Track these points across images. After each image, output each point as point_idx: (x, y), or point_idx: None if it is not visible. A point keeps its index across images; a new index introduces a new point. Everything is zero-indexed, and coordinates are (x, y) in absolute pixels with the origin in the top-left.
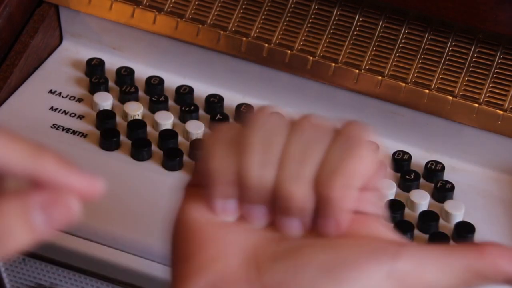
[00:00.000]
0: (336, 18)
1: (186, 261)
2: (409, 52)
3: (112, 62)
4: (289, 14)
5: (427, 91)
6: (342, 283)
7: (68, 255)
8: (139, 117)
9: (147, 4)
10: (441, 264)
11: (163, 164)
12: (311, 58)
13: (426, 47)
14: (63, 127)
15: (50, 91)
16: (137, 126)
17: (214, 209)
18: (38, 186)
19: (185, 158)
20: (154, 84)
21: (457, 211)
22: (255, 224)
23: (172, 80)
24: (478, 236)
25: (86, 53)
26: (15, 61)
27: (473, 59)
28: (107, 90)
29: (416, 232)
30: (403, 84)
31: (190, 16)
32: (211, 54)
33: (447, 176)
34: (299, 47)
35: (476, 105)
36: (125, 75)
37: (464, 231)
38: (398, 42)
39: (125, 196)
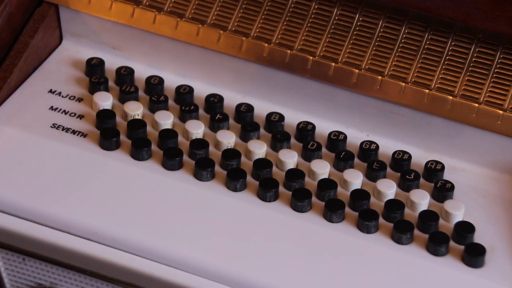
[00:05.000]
0: (336, 18)
1: None
2: (409, 52)
3: (112, 62)
4: (289, 14)
5: (427, 91)
6: None
7: (68, 255)
8: (139, 117)
9: (147, 4)
10: None
11: (163, 164)
12: (311, 58)
13: (426, 47)
14: (63, 127)
15: (50, 91)
16: (137, 126)
17: None
18: None
19: (185, 158)
20: (154, 84)
21: (457, 211)
22: None
23: (172, 80)
24: (478, 236)
25: (86, 53)
26: (15, 61)
27: (473, 59)
28: (107, 90)
29: (416, 232)
30: (403, 84)
31: (190, 16)
32: (211, 54)
33: (447, 176)
34: (299, 47)
35: (476, 105)
36: (125, 75)
37: (464, 231)
38: (398, 42)
39: (125, 196)
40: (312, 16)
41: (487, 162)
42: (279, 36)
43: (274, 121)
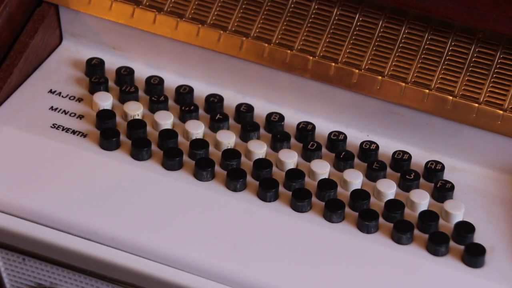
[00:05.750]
0: (336, 18)
1: None
2: (409, 52)
3: (112, 62)
4: (289, 14)
5: (427, 91)
6: None
7: (68, 255)
8: (139, 117)
9: (147, 4)
10: None
11: (163, 164)
12: (311, 58)
13: (426, 47)
14: (63, 127)
15: (50, 91)
16: (137, 126)
17: None
18: None
19: (185, 158)
20: (154, 84)
21: (457, 211)
22: None
23: (172, 80)
24: (478, 236)
25: (86, 53)
26: (15, 61)
27: (473, 59)
28: (107, 90)
29: (416, 232)
30: (403, 84)
31: (190, 16)
32: (211, 54)
33: (447, 176)
34: (299, 47)
35: (476, 105)
36: (125, 75)
37: (464, 231)
38: (398, 42)
39: (125, 196)
40: (312, 16)
41: (487, 162)
42: (279, 36)
43: (274, 121)
